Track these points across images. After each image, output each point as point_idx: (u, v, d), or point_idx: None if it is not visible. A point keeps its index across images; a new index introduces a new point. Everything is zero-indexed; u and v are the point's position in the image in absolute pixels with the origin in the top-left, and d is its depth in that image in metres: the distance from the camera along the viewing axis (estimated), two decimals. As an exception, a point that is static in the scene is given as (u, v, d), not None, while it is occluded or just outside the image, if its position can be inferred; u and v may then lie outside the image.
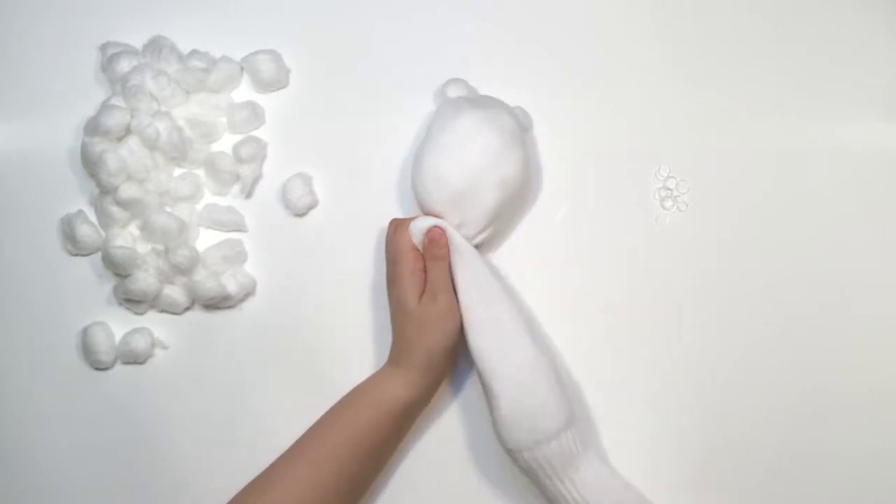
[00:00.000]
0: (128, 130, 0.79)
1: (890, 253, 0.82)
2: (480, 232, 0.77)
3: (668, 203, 0.83)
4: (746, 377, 0.80)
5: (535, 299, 0.80)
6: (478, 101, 0.79)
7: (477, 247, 0.77)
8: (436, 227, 0.75)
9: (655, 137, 0.84)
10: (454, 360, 0.77)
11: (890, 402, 0.80)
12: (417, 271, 0.74)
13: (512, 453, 0.72)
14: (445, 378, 0.77)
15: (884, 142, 0.84)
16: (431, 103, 0.82)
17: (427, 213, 0.76)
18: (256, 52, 0.83)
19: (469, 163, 0.75)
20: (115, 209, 0.79)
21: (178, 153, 0.80)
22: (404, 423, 0.76)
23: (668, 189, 0.83)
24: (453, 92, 0.81)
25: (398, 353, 0.75)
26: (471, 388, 0.79)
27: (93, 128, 0.79)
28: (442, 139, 0.76)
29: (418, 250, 0.75)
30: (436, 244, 0.75)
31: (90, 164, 0.79)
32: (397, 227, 0.76)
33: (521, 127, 0.79)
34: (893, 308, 0.82)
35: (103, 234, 0.80)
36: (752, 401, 0.80)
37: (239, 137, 0.83)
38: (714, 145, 0.84)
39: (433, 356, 0.74)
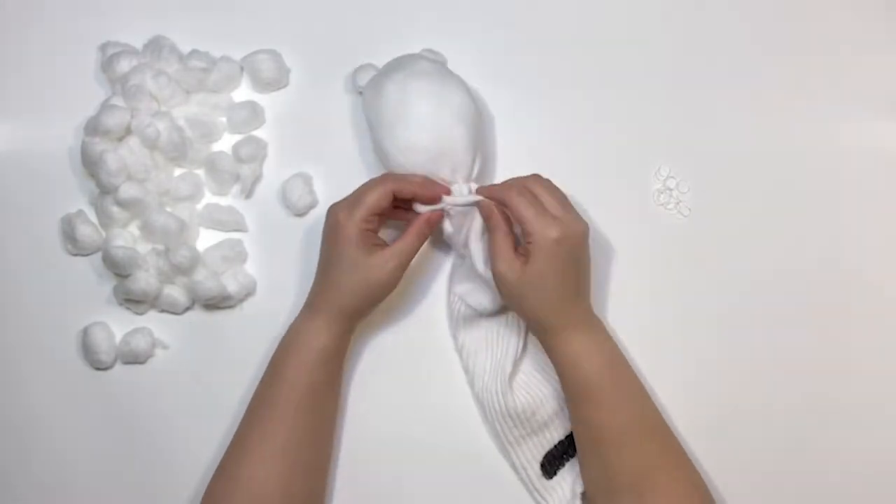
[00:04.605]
0: (128, 130, 0.79)
1: (890, 252, 0.82)
2: (472, 166, 0.77)
3: (669, 203, 0.83)
4: (746, 376, 0.80)
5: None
6: (390, 67, 0.79)
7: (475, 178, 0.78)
8: (439, 212, 0.76)
9: (655, 137, 0.84)
10: None
11: (891, 401, 0.80)
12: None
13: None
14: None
15: (884, 142, 0.84)
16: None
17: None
18: (256, 52, 0.83)
19: (420, 119, 0.76)
20: (115, 209, 0.79)
21: (178, 153, 0.80)
22: (336, 367, 0.77)
23: (669, 189, 0.83)
24: (362, 78, 0.81)
25: (324, 300, 0.75)
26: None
27: (93, 128, 0.79)
28: (384, 118, 0.77)
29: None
30: (432, 225, 0.76)
31: (90, 164, 0.79)
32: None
33: (438, 63, 0.80)
34: (894, 306, 0.82)
35: (103, 234, 0.80)
36: (751, 400, 0.80)
37: (239, 137, 0.83)
38: (714, 145, 0.84)
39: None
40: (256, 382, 0.78)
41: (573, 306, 0.74)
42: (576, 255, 0.73)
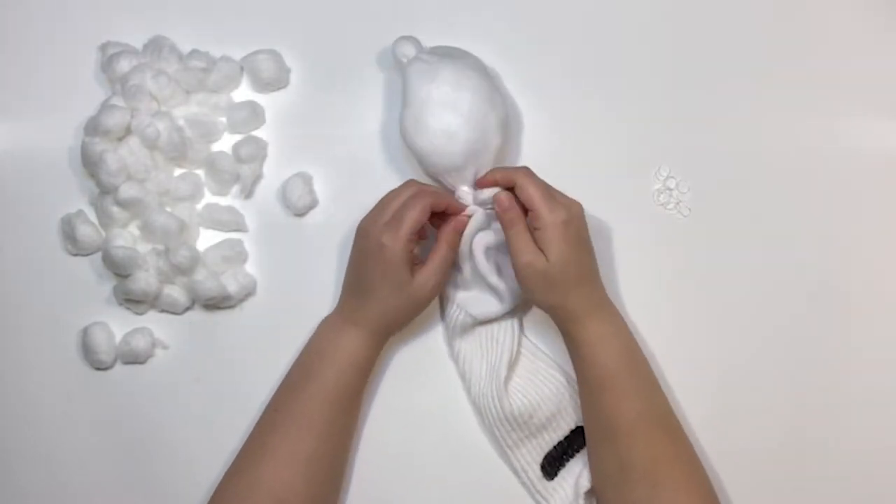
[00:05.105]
0: (128, 130, 0.79)
1: (890, 252, 0.82)
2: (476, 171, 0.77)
3: (669, 203, 0.83)
4: (747, 375, 0.81)
5: (535, 299, 0.81)
6: (443, 52, 0.79)
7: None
8: (463, 217, 0.76)
9: (655, 137, 0.84)
10: None
11: (891, 400, 0.80)
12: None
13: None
14: None
15: (884, 141, 0.84)
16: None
17: (436, 175, 0.77)
18: (256, 52, 0.83)
19: (472, 111, 0.75)
20: (115, 209, 0.79)
21: (178, 153, 0.80)
22: (367, 375, 0.77)
23: (669, 189, 0.83)
24: (408, 50, 0.80)
25: (364, 316, 0.75)
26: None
27: (93, 128, 0.79)
28: (434, 97, 0.75)
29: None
30: (459, 232, 0.76)
31: (90, 164, 0.79)
32: (423, 197, 0.74)
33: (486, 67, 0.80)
34: (894, 306, 0.82)
35: (103, 234, 0.80)
36: (751, 400, 0.80)
37: (239, 137, 0.83)
38: (714, 145, 0.84)
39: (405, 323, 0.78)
40: (256, 382, 0.78)
41: (591, 290, 0.74)
42: (583, 235, 0.74)
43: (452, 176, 0.77)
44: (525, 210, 0.74)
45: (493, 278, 0.77)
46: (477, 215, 0.77)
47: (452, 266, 0.79)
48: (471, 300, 0.78)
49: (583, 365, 0.74)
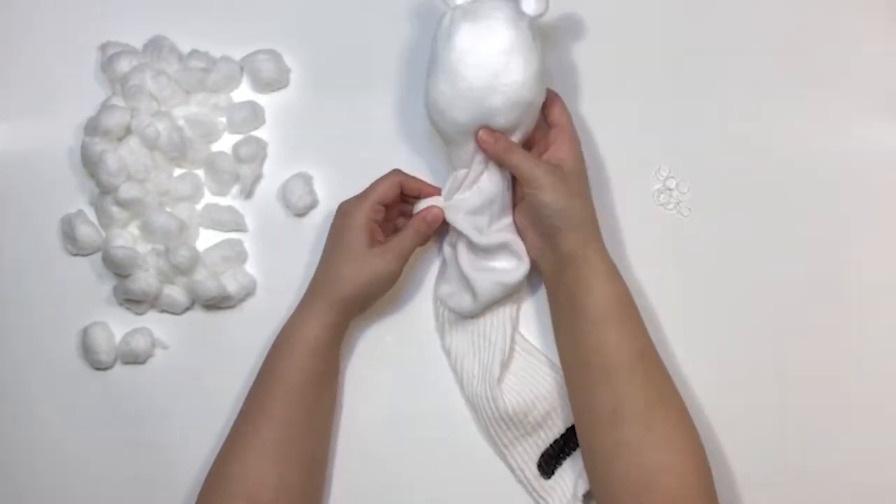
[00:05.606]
0: (128, 130, 0.80)
1: (890, 252, 0.82)
2: (529, 129, 0.76)
3: (669, 203, 0.83)
4: (746, 375, 0.80)
5: (534, 298, 0.81)
6: (473, 7, 0.74)
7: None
8: (437, 209, 0.77)
9: (655, 137, 0.84)
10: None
11: (891, 400, 0.80)
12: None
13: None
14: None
15: (884, 142, 0.84)
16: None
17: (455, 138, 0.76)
18: (256, 52, 0.83)
19: (474, 79, 0.73)
20: (115, 209, 0.79)
21: (178, 153, 0.80)
22: (329, 361, 0.76)
23: (669, 189, 0.83)
24: None
25: (321, 287, 0.76)
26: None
27: (93, 128, 0.79)
28: (444, 61, 0.74)
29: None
30: (430, 223, 0.77)
31: (90, 164, 0.79)
32: (395, 178, 0.77)
33: (521, 18, 0.74)
34: (894, 306, 0.82)
35: (103, 234, 0.81)
36: (751, 399, 0.80)
37: (239, 137, 0.83)
38: (714, 145, 0.84)
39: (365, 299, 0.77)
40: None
41: (595, 227, 0.76)
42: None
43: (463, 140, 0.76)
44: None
45: (473, 273, 0.76)
46: (470, 201, 0.76)
47: (444, 264, 0.80)
48: (450, 294, 0.79)
49: (587, 299, 0.73)
